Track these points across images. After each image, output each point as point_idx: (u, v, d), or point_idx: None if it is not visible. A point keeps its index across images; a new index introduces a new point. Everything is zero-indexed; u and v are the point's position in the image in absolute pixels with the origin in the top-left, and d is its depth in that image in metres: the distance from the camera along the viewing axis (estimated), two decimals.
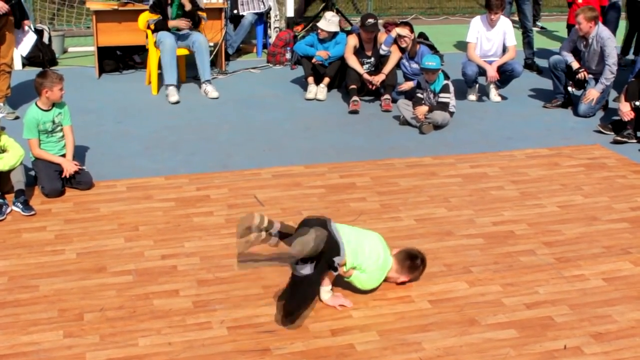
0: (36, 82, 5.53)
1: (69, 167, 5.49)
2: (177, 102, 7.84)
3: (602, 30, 7.55)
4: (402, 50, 7.86)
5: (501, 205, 5.43)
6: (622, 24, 9.87)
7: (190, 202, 5.40)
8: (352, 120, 7.43)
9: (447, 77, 7.31)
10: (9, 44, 7.15)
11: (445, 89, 7.20)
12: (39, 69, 8.88)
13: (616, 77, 7.61)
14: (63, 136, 5.68)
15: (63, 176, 5.49)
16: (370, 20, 7.79)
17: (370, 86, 7.87)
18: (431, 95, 7.26)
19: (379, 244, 4.20)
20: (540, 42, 9.84)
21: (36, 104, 5.57)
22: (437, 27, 12.05)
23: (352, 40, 7.94)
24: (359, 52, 7.94)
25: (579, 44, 7.69)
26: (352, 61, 7.87)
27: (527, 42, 9.41)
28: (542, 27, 11.91)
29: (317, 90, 8.08)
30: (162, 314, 3.96)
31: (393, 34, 7.82)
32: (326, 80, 8.12)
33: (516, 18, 9.81)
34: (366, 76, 7.82)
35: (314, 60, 8.13)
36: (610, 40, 7.50)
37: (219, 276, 4.36)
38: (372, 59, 7.96)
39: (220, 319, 3.92)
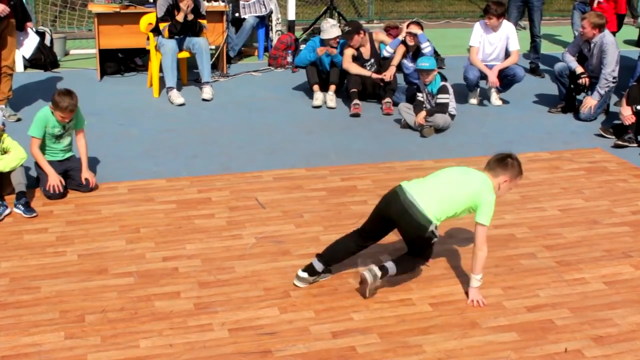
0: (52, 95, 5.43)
1: (53, 182, 5.38)
2: (183, 104, 7.84)
3: (606, 36, 7.51)
4: (407, 48, 7.87)
5: (502, 209, 5.42)
6: None
7: (192, 204, 5.40)
8: (354, 124, 7.44)
9: (444, 78, 7.31)
10: (10, 46, 7.14)
11: (442, 90, 7.19)
12: (41, 71, 8.99)
13: (617, 82, 7.59)
14: (69, 144, 5.65)
15: (48, 186, 5.38)
16: (346, 28, 7.87)
17: (381, 83, 7.85)
18: (429, 97, 7.26)
19: (458, 171, 4.38)
20: (541, 46, 9.84)
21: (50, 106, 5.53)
22: (438, 31, 12.06)
23: (349, 51, 7.87)
24: (358, 59, 7.91)
25: (583, 48, 7.68)
26: (354, 68, 7.82)
27: (534, 47, 9.44)
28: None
29: (327, 99, 7.97)
30: (164, 315, 3.97)
31: (403, 33, 7.83)
32: (332, 87, 8.01)
33: (524, 22, 9.80)
34: (375, 75, 7.81)
35: (318, 50, 8.01)
36: (611, 49, 7.42)
37: (220, 278, 4.36)
38: (372, 60, 7.95)
39: (222, 321, 3.93)
